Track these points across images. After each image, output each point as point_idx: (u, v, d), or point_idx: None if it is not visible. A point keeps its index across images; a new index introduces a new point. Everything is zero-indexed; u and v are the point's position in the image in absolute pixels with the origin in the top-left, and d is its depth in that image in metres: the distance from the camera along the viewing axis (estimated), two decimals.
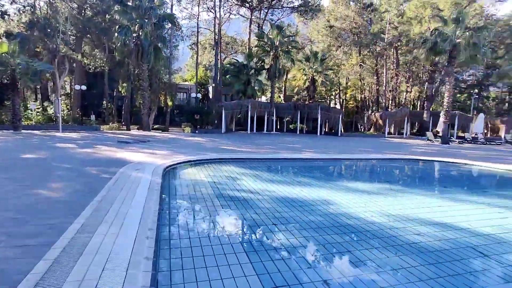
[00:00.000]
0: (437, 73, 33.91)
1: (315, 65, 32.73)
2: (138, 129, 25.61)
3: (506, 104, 47.98)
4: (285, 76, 33.62)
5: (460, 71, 44.34)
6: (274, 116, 30.02)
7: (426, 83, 36.58)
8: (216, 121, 26.30)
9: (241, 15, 40.69)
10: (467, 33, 20.77)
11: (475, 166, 11.98)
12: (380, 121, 31.30)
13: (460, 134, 32.88)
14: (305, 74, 33.73)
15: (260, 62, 30.29)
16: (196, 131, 24.55)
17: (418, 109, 41.49)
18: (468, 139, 26.46)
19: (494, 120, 34.44)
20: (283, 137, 24.37)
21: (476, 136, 26.97)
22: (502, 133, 33.12)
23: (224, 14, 38.84)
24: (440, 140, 24.26)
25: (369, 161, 12.83)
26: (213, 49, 47.15)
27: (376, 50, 40.53)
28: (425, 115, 32.62)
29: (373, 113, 34.12)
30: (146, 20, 23.06)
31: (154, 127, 27.57)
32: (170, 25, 27.03)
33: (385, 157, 13.34)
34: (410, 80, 42.15)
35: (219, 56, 34.05)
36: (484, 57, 22.31)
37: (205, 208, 5.36)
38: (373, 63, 42.32)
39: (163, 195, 5.78)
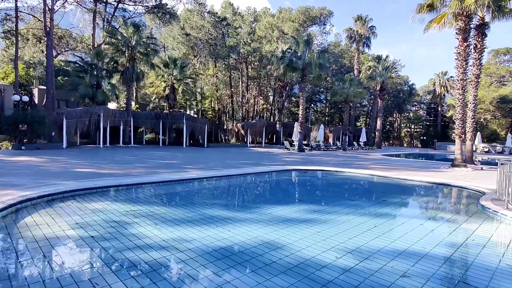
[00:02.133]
0: (286, 88, 38.09)
1: (175, 72, 30.57)
2: None
3: (328, 117, 59.85)
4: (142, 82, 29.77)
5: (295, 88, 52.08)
6: (132, 127, 25.89)
7: (277, 96, 40.61)
8: (53, 133, 20.05)
9: (80, 4, 33.74)
10: (315, 54, 24.05)
11: (350, 173, 13.16)
12: (242, 131, 32.26)
13: (304, 142, 38.05)
14: (164, 81, 31.02)
15: (112, 63, 25.49)
16: (23, 147, 17.89)
17: (267, 120, 45.83)
18: (313, 146, 30.57)
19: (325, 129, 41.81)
20: (147, 151, 21.07)
21: (318, 143, 31.56)
22: (330, 140, 40.44)
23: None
24: (295, 148, 26.89)
25: (264, 175, 12.09)
26: (39, 42, 37.34)
27: (229, 63, 42.12)
28: (277, 126, 35.93)
29: (235, 124, 34.91)
30: None
31: None
32: None
33: (273, 169, 12.96)
34: (259, 93, 46.09)
35: (51, 49, 26.74)
36: (326, 77, 26.32)
37: None
38: (227, 75, 43.86)
39: None
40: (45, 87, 30.29)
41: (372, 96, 41.06)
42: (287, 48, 26.53)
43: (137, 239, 4.58)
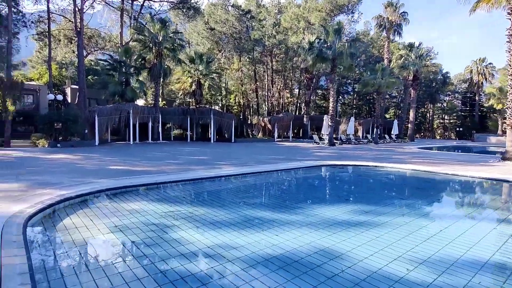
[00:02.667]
0: (312, 80, 36.97)
1: (200, 68, 30.41)
2: None
3: (356, 109, 57.85)
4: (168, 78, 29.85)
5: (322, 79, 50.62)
6: (160, 123, 26.04)
7: (303, 89, 39.58)
8: (86, 131, 20.48)
9: (108, 3, 34.30)
10: (346, 43, 22.93)
11: (390, 169, 12.26)
12: (269, 126, 31.69)
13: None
14: (191, 77, 30.95)
15: (140, 60, 25.66)
16: (58, 145, 18.35)
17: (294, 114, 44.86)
18: (343, 140, 29.47)
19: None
20: (176, 147, 21.05)
21: (349, 136, 30.39)
22: (359, 133, 38.92)
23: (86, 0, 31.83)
24: (325, 142, 25.98)
25: (300, 171, 11.50)
26: (70, 42, 38.47)
27: (254, 57, 41.43)
28: (305, 119, 35.01)
29: (261, 118, 34.39)
30: None
31: None
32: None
33: (308, 165, 12.31)
34: (285, 87, 45.20)
35: (82, 49, 27.33)
36: (357, 67, 25.12)
37: None
38: (252, 69, 43.24)
39: None
40: (77, 87, 31.19)
41: (403, 87, 38.94)
42: (315, 38, 25.50)
43: (180, 245, 4.18)
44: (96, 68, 54.34)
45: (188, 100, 42.46)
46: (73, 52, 39.02)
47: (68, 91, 36.11)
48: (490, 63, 56.12)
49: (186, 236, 4.58)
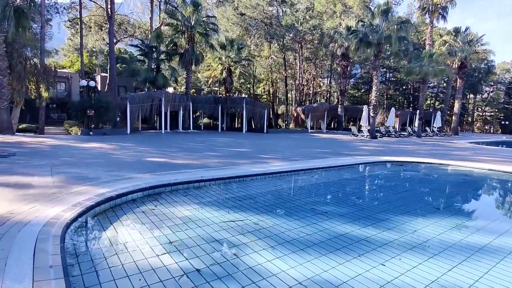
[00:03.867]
0: (348, 68, 34.78)
1: (231, 54, 29.17)
2: None
3: (391, 99, 54.73)
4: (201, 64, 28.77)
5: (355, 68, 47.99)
6: (191, 111, 25.22)
7: (337, 77, 37.50)
8: (118, 119, 19.95)
9: None
10: (395, 26, 20.79)
11: (463, 168, 10.58)
12: (302, 116, 30.14)
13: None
14: (221, 64, 29.83)
15: (172, 45, 24.73)
16: (91, 133, 17.89)
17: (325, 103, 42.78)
18: (383, 132, 27.46)
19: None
20: (208, 137, 20.12)
21: (388, 129, 28.32)
22: (396, 125, 36.48)
23: None
24: (364, 134, 24.20)
25: (359, 168, 10.10)
26: (101, 29, 38.33)
27: (284, 43, 39.49)
28: (339, 110, 33.11)
29: (294, 108, 32.83)
30: None
31: (20, 127, 19.39)
32: None
33: (366, 161, 10.87)
34: (317, 75, 43.09)
35: (113, 35, 26.80)
36: (407, 52, 22.93)
37: None
38: (282, 56, 41.40)
39: None
40: (106, 74, 30.97)
41: (453, 75, 35.68)
42: (357, 21, 23.44)
43: (261, 280, 3.03)
44: (125, 56, 54.60)
45: (215, 88, 41.56)
46: (103, 39, 38.96)
47: (98, 79, 36.14)
48: None
49: (262, 261, 3.42)
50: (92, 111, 17.89)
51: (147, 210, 5.11)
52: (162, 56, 24.26)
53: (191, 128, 25.46)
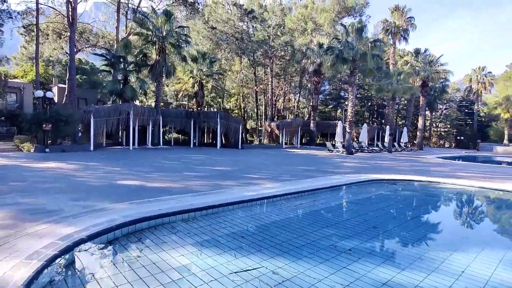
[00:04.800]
0: (319, 84, 35.17)
1: (203, 68, 28.23)
2: None
3: (357, 115, 56.42)
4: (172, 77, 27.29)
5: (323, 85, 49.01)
6: (161, 126, 23.63)
7: (306, 93, 37.83)
8: (80, 134, 17.93)
9: None
10: (369, 44, 21.21)
11: (456, 186, 10.36)
12: (277, 131, 29.64)
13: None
14: (193, 77, 28.72)
15: (141, 56, 23.18)
16: (47, 150, 15.77)
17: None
18: (357, 148, 27.68)
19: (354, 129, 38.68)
20: (182, 154, 18.76)
21: (361, 144, 28.66)
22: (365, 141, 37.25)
23: None
24: (340, 150, 24.15)
25: (356, 189, 9.43)
26: (59, 37, 35.61)
27: (255, 58, 39.35)
28: (311, 125, 33.16)
29: (268, 123, 32.31)
30: None
31: None
32: None
33: (359, 179, 10.28)
34: (289, 91, 43.31)
35: (73, 42, 24.68)
36: (379, 69, 23.46)
37: None
38: (253, 71, 41.18)
39: None
40: (64, 86, 28.52)
41: (419, 93, 37.22)
42: (332, 38, 23.70)
43: None
44: (85, 67, 51.48)
45: (184, 102, 40.06)
46: (62, 48, 36.23)
47: (55, 90, 33.33)
48: (489, 72, 55.97)
49: None
50: (49, 125, 15.84)
51: (131, 258, 3.93)
52: (131, 67, 22.65)
53: (161, 143, 23.83)
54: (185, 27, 23.75)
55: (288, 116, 43.95)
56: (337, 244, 4.80)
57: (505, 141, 41.74)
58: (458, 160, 22.99)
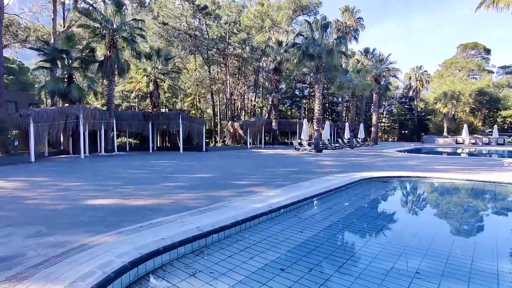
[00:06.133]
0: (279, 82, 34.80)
1: (158, 65, 26.05)
2: None
3: (312, 113, 57.66)
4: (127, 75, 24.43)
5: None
6: (115, 130, 21.06)
7: (266, 92, 37.35)
8: (16, 143, 14.91)
9: None
10: (334, 40, 21.17)
11: (439, 180, 10.28)
12: (240, 131, 28.51)
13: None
14: (147, 76, 26.36)
15: (88, 51, 20.27)
16: None
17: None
18: (321, 146, 27.75)
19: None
20: (144, 160, 16.74)
21: (324, 141, 28.85)
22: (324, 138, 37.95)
23: None
24: (306, 148, 23.93)
25: (359, 189, 8.73)
26: None
27: (210, 56, 37.76)
28: (274, 124, 32.68)
29: (230, 123, 30.97)
30: None
31: None
32: None
33: (351, 180, 9.66)
34: (248, 89, 42.43)
35: (1, 35, 20.91)
36: (339, 66, 23.64)
37: None
38: (210, 70, 39.54)
39: None
40: None
41: (377, 89, 38.89)
42: (296, 34, 23.30)
43: None
44: (12, 66, 45.14)
45: (134, 104, 36.99)
46: None
47: None
48: (425, 71, 61.09)
49: None
50: None
51: None
52: (76, 64, 19.73)
53: (115, 150, 21.26)
54: (139, 20, 21.35)
55: (244, 116, 43.06)
56: (398, 267, 3.89)
57: (445, 133, 45.68)
58: (419, 153, 24.09)
